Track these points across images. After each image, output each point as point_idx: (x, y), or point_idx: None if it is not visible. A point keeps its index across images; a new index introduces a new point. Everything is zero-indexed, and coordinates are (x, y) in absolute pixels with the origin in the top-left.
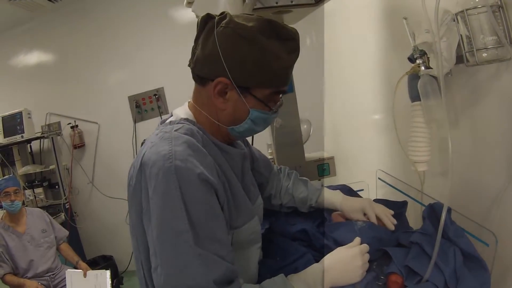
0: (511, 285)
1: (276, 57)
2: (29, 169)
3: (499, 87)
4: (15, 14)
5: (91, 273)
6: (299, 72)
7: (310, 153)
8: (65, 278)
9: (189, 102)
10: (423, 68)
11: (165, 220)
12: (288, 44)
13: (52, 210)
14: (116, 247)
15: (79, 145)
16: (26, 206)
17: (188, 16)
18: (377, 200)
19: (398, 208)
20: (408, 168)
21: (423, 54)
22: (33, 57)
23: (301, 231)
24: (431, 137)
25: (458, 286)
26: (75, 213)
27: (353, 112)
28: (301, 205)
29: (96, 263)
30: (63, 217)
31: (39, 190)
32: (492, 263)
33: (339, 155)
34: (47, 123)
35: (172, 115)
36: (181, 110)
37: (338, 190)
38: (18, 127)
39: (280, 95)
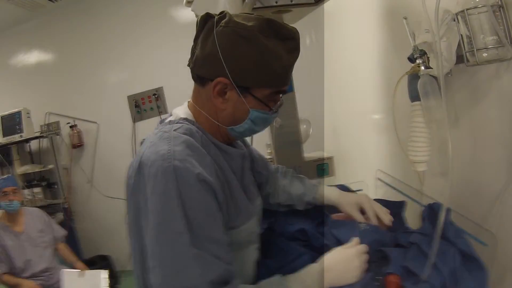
0: (509, 285)
1: (276, 56)
2: (28, 168)
3: (499, 87)
4: (15, 13)
5: (88, 273)
6: (299, 71)
7: (310, 153)
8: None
9: (188, 101)
10: (423, 68)
11: (163, 221)
12: (288, 43)
13: (50, 209)
14: (114, 247)
15: (78, 145)
16: (25, 205)
17: (188, 16)
18: (375, 200)
19: (396, 208)
20: (408, 168)
21: (423, 54)
22: (33, 57)
23: (300, 231)
24: (431, 137)
25: (457, 287)
26: (73, 212)
27: (353, 112)
28: (298, 202)
29: (93, 263)
30: (62, 216)
31: (37, 189)
32: (491, 263)
33: (339, 155)
34: (46, 122)
35: (171, 115)
36: (180, 109)
37: (334, 187)
38: (17, 127)
39: (280, 95)
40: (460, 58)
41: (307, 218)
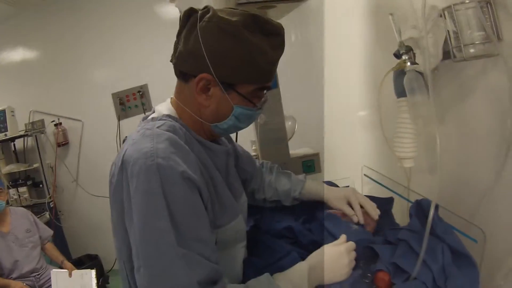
0: (499, 281)
1: (260, 52)
2: (13, 168)
3: (486, 83)
4: None
5: (77, 272)
6: (284, 68)
7: (295, 150)
8: (50, 278)
9: (171, 98)
10: (409, 64)
11: (147, 220)
12: (273, 39)
13: (36, 209)
14: (102, 245)
15: (63, 143)
16: (10, 205)
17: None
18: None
19: (384, 205)
20: (395, 164)
21: (409, 50)
22: (17, 54)
23: (287, 228)
24: (417, 133)
25: (447, 283)
26: (59, 212)
27: (339, 108)
28: (284, 197)
29: (81, 262)
30: (48, 216)
31: (23, 189)
32: (480, 259)
33: (325, 151)
34: (30, 121)
35: (154, 112)
36: (163, 106)
37: (321, 181)
38: (2, 125)
39: (265, 91)
40: (446, 54)
41: (293, 214)
